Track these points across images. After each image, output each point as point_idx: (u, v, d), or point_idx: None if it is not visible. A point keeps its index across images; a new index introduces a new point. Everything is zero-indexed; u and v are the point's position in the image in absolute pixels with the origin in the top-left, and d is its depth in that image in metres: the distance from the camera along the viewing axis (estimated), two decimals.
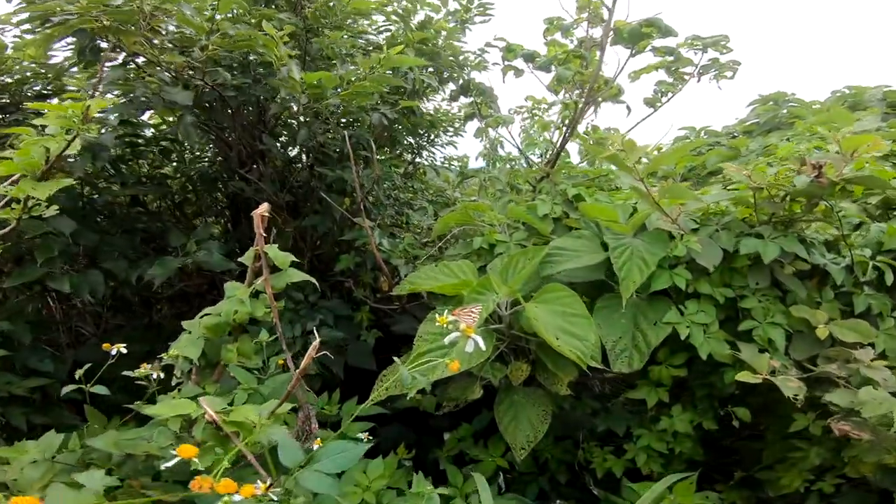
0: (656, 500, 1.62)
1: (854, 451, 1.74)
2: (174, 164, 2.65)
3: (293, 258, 1.31)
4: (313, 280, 1.36)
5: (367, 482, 1.64)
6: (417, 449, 2.13)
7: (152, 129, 2.45)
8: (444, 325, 0.92)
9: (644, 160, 1.69)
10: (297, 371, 1.13)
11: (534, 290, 1.65)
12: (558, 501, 2.00)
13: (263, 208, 1.29)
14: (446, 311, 0.95)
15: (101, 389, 1.37)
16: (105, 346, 1.37)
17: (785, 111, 2.71)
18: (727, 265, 1.61)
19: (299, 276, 1.33)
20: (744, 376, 1.48)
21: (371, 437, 1.79)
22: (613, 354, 1.58)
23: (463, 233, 2.04)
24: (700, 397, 1.79)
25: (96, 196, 2.22)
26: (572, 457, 2.06)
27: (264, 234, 1.28)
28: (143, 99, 1.89)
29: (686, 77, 2.46)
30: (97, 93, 1.77)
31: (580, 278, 1.74)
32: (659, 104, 2.48)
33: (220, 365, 1.47)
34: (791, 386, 1.46)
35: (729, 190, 1.73)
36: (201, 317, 1.34)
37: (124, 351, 1.37)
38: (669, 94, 2.48)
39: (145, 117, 2.39)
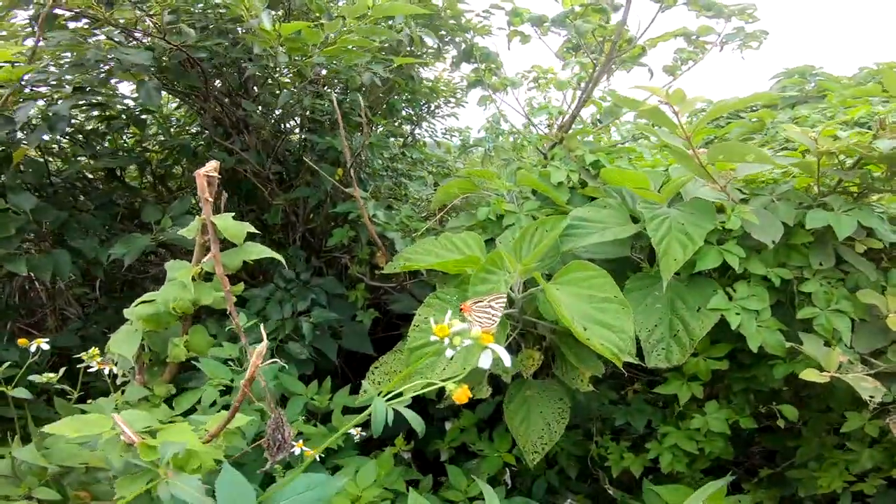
0: None
1: None
2: (160, 136, 2.22)
3: (251, 229, 0.89)
4: (279, 257, 0.95)
5: (357, 492, 1.25)
6: (416, 438, 1.75)
7: (132, 101, 2.02)
8: (445, 339, 0.50)
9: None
10: (244, 382, 0.73)
11: (551, 269, 1.24)
12: (569, 500, 1.62)
13: (209, 167, 0.87)
14: (449, 313, 0.53)
15: (21, 393, 0.98)
16: (21, 341, 0.98)
17: (812, 85, 2.26)
18: (783, 241, 1.19)
19: (260, 251, 0.92)
20: (808, 374, 1.09)
21: (364, 433, 1.43)
22: (648, 346, 1.18)
23: (466, 203, 1.62)
24: (737, 392, 1.39)
25: (65, 169, 1.81)
26: (583, 449, 1.68)
27: (210, 200, 0.86)
28: (96, 62, 1.46)
29: (707, 46, 2.02)
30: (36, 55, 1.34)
31: (602, 254, 1.33)
32: (679, 72, 2.04)
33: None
34: (867, 386, 1.07)
35: (781, 156, 1.30)
36: (136, 305, 0.93)
37: (45, 347, 0.97)
38: (690, 63, 2.04)
39: (127, 91, 1.95)
